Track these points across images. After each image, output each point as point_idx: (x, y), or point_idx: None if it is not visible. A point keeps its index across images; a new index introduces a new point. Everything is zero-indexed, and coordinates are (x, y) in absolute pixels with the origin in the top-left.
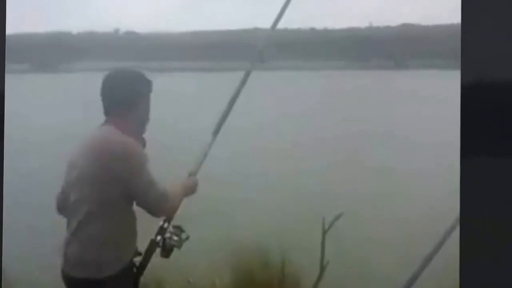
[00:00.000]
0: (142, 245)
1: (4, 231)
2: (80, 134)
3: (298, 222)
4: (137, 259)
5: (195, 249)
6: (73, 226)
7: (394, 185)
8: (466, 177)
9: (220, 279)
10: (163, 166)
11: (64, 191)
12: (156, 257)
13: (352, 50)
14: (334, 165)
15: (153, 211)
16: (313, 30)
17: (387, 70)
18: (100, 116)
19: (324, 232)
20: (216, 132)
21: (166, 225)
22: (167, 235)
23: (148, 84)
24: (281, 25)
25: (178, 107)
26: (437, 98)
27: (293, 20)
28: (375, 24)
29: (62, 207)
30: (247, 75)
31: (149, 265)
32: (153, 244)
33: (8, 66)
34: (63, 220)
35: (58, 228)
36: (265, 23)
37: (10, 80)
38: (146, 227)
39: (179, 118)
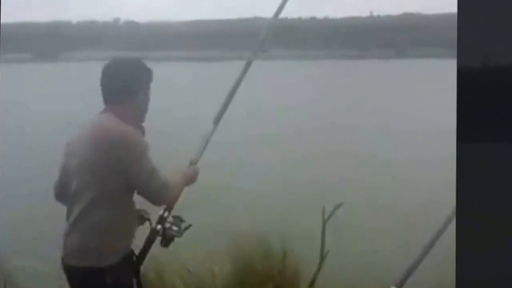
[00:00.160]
0: (142, 234)
1: (1, 221)
2: (80, 123)
3: (298, 211)
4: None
5: (194, 238)
6: (74, 214)
7: (393, 174)
8: (462, 164)
9: (219, 268)
10: (163, 154)
11: (62, 179)
12: (156, 246)
13: (353, 39)
14: (334, 154)
15: (154, 200)
16: (313, 19)
17: (388, 59)
18: (100, 105)
19: (324, 222)
20: (217, 121)
21: (166, 214)
22: (167, 225)
23: (148, 72)
24: (281, 14)
25: (178, 96)
26: (437, 87)
27: (293, 9)
28: (375, 13)
29: (61, 195)
30: (248, 64)
31: (149, 254)
32: (153, 233)
33: (8, 56)
34: (62, 209)
35: (57, 217)
36: (265, 13)
37: (10, 70)
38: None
39: (179, 107)
